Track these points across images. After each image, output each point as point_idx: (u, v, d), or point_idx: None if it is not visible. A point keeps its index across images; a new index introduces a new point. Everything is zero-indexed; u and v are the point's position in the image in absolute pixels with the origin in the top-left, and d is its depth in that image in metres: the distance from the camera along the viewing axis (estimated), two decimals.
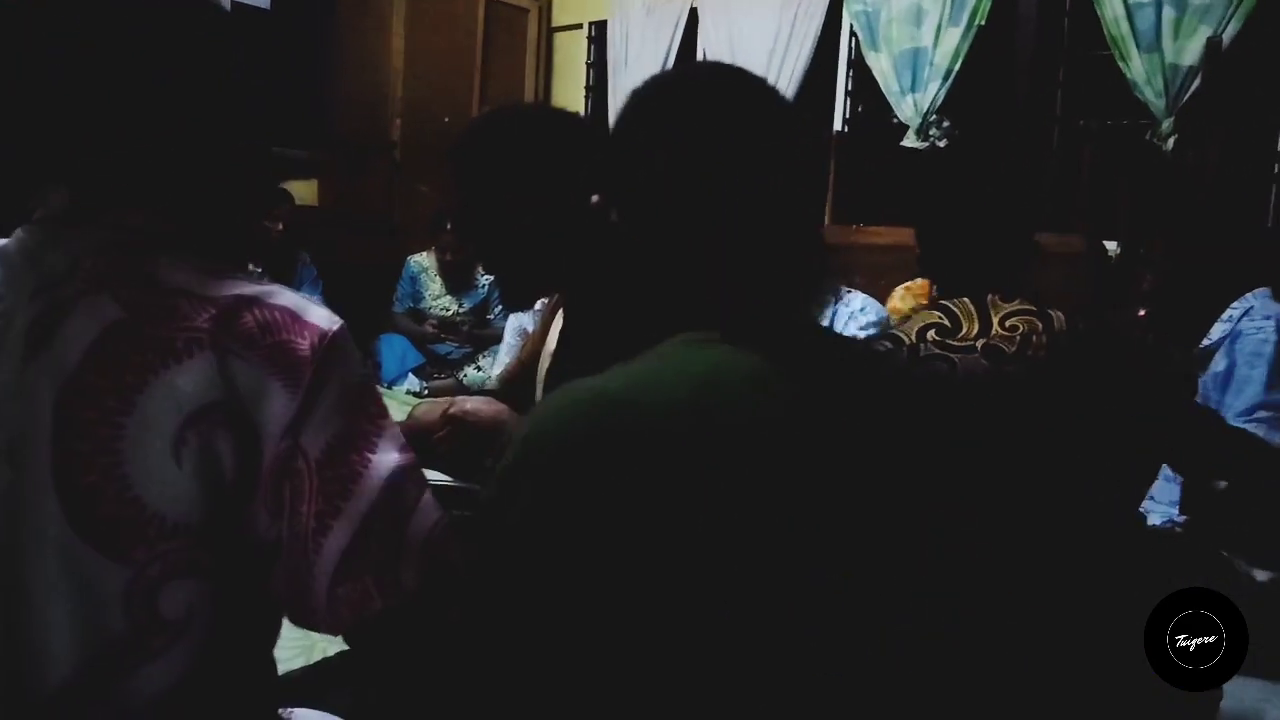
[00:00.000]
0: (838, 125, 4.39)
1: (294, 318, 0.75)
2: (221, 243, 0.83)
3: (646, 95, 0.83)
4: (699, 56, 4.69)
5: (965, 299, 1.51)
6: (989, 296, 1.49)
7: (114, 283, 0.73)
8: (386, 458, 0.77)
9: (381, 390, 3.47)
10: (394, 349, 3.82)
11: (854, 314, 2.60)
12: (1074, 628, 1.02)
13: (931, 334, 1.49)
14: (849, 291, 2.72)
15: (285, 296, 0.77)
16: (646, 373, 0.74)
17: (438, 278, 4.10)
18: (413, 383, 3.82)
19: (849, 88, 4.38)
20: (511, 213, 1.31)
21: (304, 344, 0.74)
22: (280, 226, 3.70)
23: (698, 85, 0.83)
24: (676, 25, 4.72)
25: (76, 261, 0.74)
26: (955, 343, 1.46)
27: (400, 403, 2.99)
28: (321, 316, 0.77)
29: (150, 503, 0.70)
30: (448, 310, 4.17)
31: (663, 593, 0.66)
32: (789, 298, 0.80)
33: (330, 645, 1.61)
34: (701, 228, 0.77)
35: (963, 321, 1.48)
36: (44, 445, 0.70)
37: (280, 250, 3.71)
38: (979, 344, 1.44)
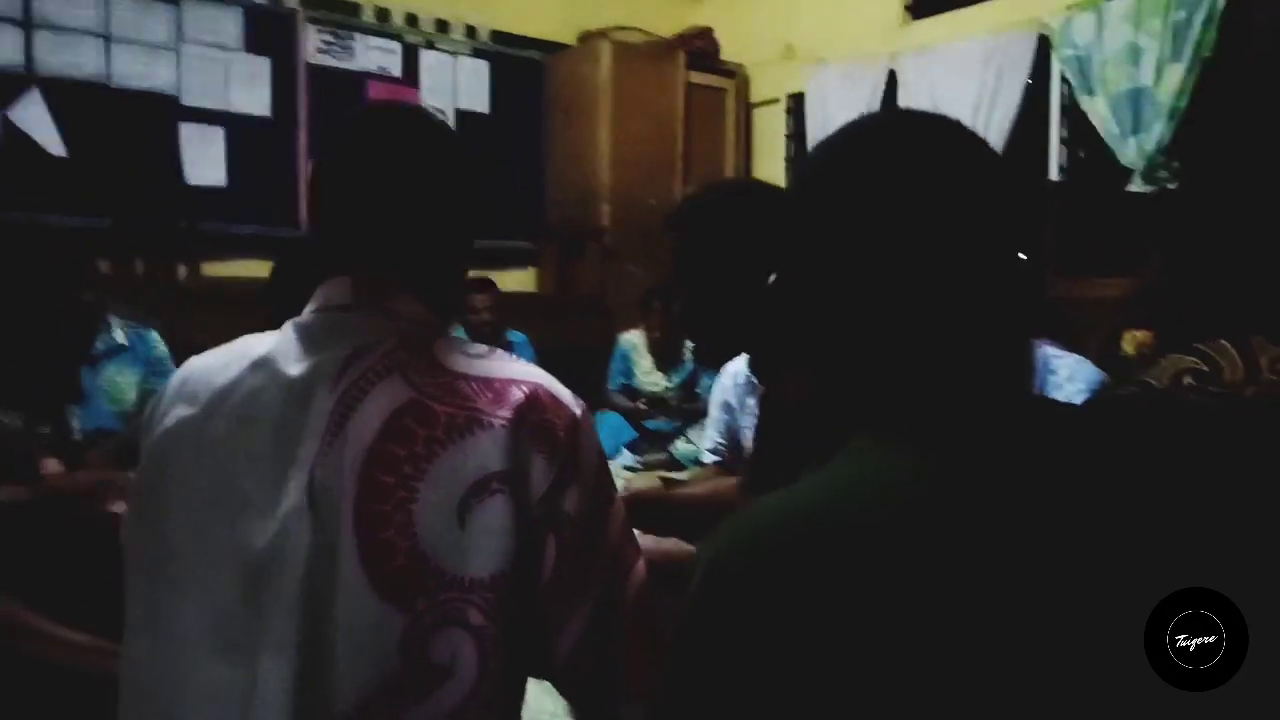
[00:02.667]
0: (1054, 174, 4.19)
1: (552, 398, 0.87)
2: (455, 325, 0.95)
3: (822, 155, 0.74)
4: None
5: (1223, 341, 1.37)
6: (1253, 339, 1.35)
7: (403, 366, 0.85)
8: (619, 519, 0.91)
9: None
10: (609, 425, 3.94)
11: (1060, 385, 2.37)
12: None
13: (1188, 379, 1.36)
14: (1057, 356, 2.49)
15: (539, 374, 0.89)
16: (836, 485, 0.64)
17: (647, 355, 4.21)
18: (627, 457, 3.91)
19: (1064, 135, 4.19)
20: (716, 280, 1.35)
21: (560, 423, 0.86)
22: (486, 315, 3.95)
23: (883, 136, 0.72)
24: (874, 89, 4.70)
25: (366, 344, 0.86)
26: (1217, 389, 1.33)
27: (617, 477, 3.06)
28: (569, 398, 0.89)
29: (433, 558, 0.80)
30: (657, 386, 4.27)
31: None
32: (999, 380, 0.67)
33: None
34: (895, 304, 0.66)
35: (1223, 366, 1.34)
36: (347, 505, 0.81)
37: (489, 334, 3.95)
38: (1248, 391, 1.30)
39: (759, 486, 1.54)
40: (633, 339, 4.25)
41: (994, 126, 4.20)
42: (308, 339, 0.89)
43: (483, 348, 0.91)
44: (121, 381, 2.44)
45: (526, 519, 0.83)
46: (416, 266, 0.92)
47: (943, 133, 0.70)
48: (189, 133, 4.10)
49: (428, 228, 0.93)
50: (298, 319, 0.92)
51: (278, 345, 0.90)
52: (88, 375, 3.01)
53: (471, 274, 3.89)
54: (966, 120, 3.64)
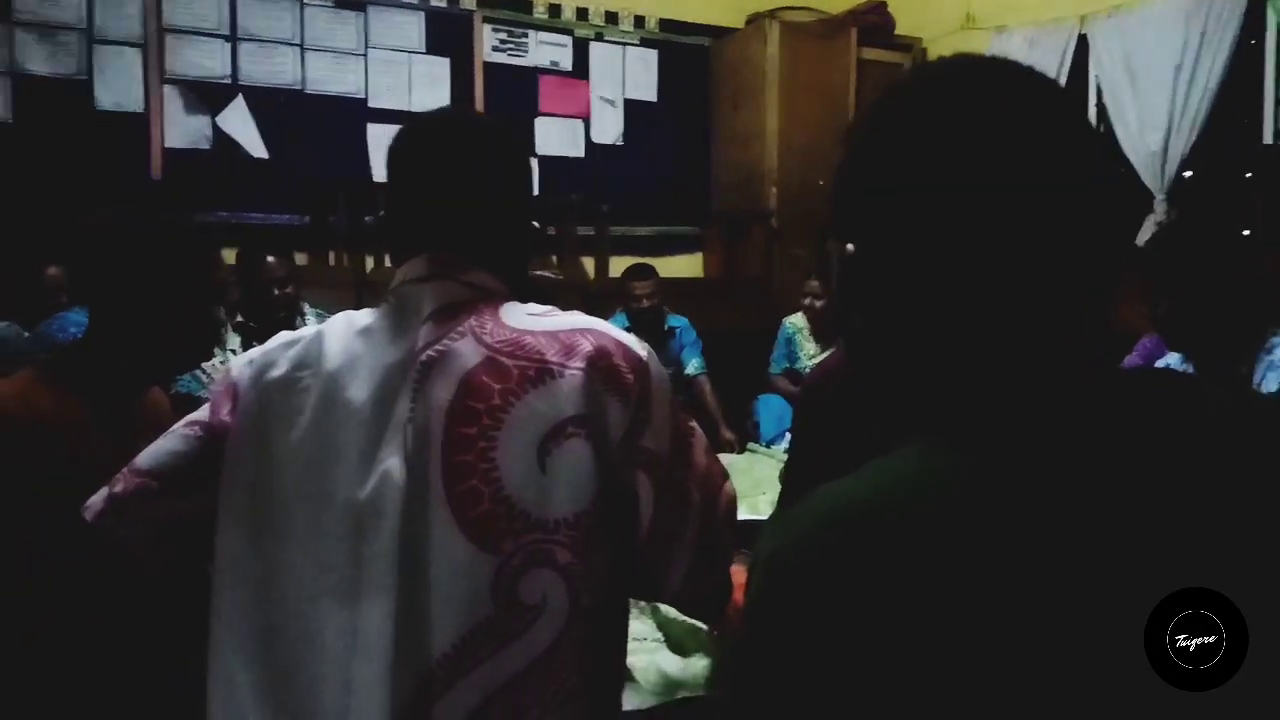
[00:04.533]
0: (1267, 138, 3.80)
1: (618, 344, 0.93)
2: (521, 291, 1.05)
3: (880, 109, 0.67)
4: (1091, 83, 4.33)
5: None
6: None
7: (475, 329, 0.93)
8: (701, 445, 0.99)
9: (759, 449, 3.56)
10: (771, 409, 3.89)
11: (1274, 363, 2.12)
12: None
13: None
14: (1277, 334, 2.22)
15: (601, 324, 0.96)
16: (895, 477, 0.61)
17: (811, 338, 4.13)
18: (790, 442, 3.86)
19: (1279, 95, 3.78)
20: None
21: (627, 367, 0.92)
22: (645, 302, 3.99)
23: (946, 88, 0.64)
24: (1064, 55, 4.40)
25: (442, 308, 0.95)
26: None
27: (778, 460, 3.03)
28: (633, 342, 0.95)
29: (517, 502, 0.86)
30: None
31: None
32: (1067, 364, 0.61)
33: (694, 687, 1.67)
34: (954, 283, 0.60)
35: None
36: (434, 457, 0.88)
37: (650, 319, 4.00)
38: None
39: (796, 486, 1.48)
40: (796, 322, 4.18)
41: (1197, 90, 3.85)
42: (395, 309, 0.97)
43: (544, 307, 0.98)
44: None
45: (607, 460, 0.89)
46: (481, 243, 1.01)
47: (1017, 84, 0.63)
48: (376, 132, 4.36)
49: (489, 210, 1.02)
50: (388, 293, 0.99)
51: (372, 316, 0.98)
52: None
53: (633, 260, 3.96)
54: (1166, 83, 3.38)
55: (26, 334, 3.10)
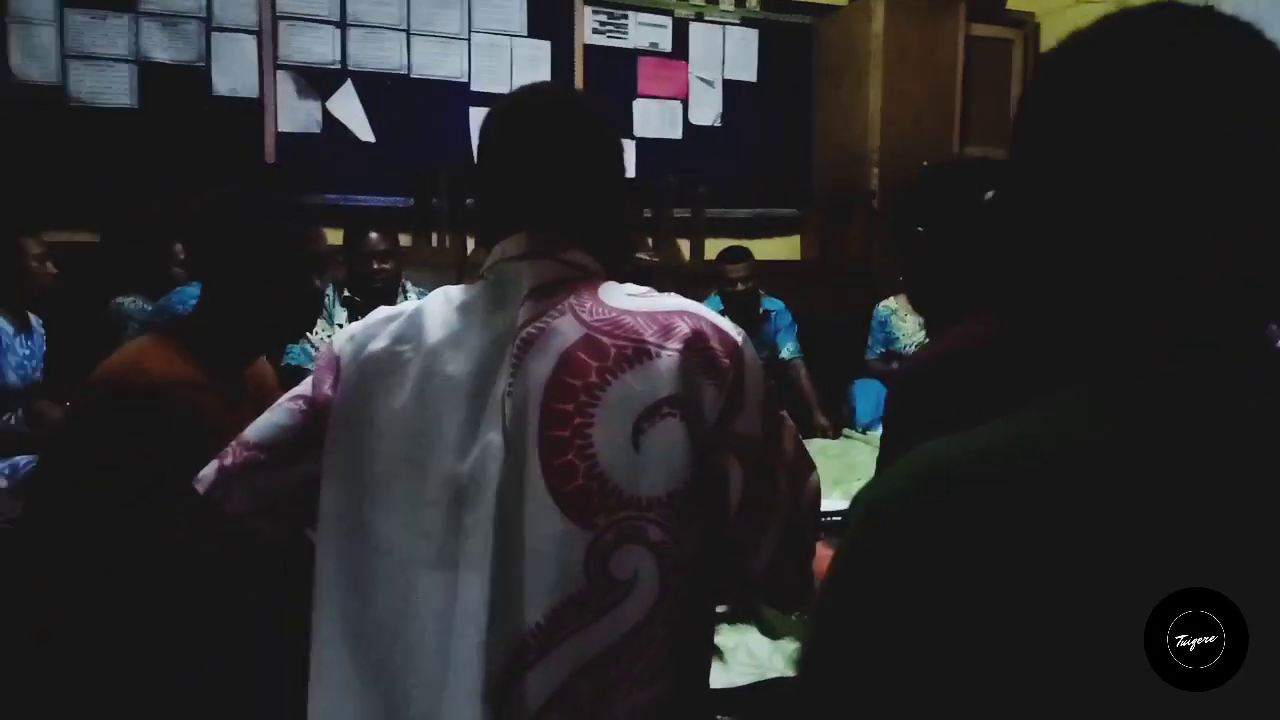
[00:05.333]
0: None
1: (714, 328, 0.94)
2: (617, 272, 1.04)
3: (1054, 56, 0.63)
4: None
5: None
6: None
7: (574, 307, 0.94)
8: (792, 434, 0.99)
9: (855, 435, 3.52)
10: (869, 394, 3.83)
11: None
12: None
13: None
14: None
15: (698, 308, 0.97)
16: (1006, 433, 0.59)
17: (908, 318, 4.03)
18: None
19: None
20: (929, 255, 1.37)
21: (723, 351, 0.93)
22: (739, 285, 3.97)
23: (1132, 30, 0.60)
24: None
25: (541, 285, 0.96)
26: None
27: (874, 446, 2.98)
28: (729, 327, 0.96)
29: (611, 478, 0.88)
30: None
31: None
32: (1219, 325, 0.58)
33: (783, 668, 1.67)
34: (1117, 228, 0.58)
35: None
36: (531, 432, 0.89)
37: (745, 302, 3.98)
38: None
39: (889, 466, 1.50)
40: (891, 304, 4.09)
41: None
42: (493, 286, 0.99)
43: (642, 288, 0.99)
44: None
45: (701, 442, 0.90)
46: (577, 222, 1.01)
47: (1209, 33, 0.58)
48: (478, 116, 4.41)
49: (585, 187, 1.03)
50: (484, 270, 1.00)
51: (470, 292, 0.99)
52: None
53: (728, 243, 3.94)
54: None
55: (148, 307, 3.27)
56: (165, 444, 1.26)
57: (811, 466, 1.02)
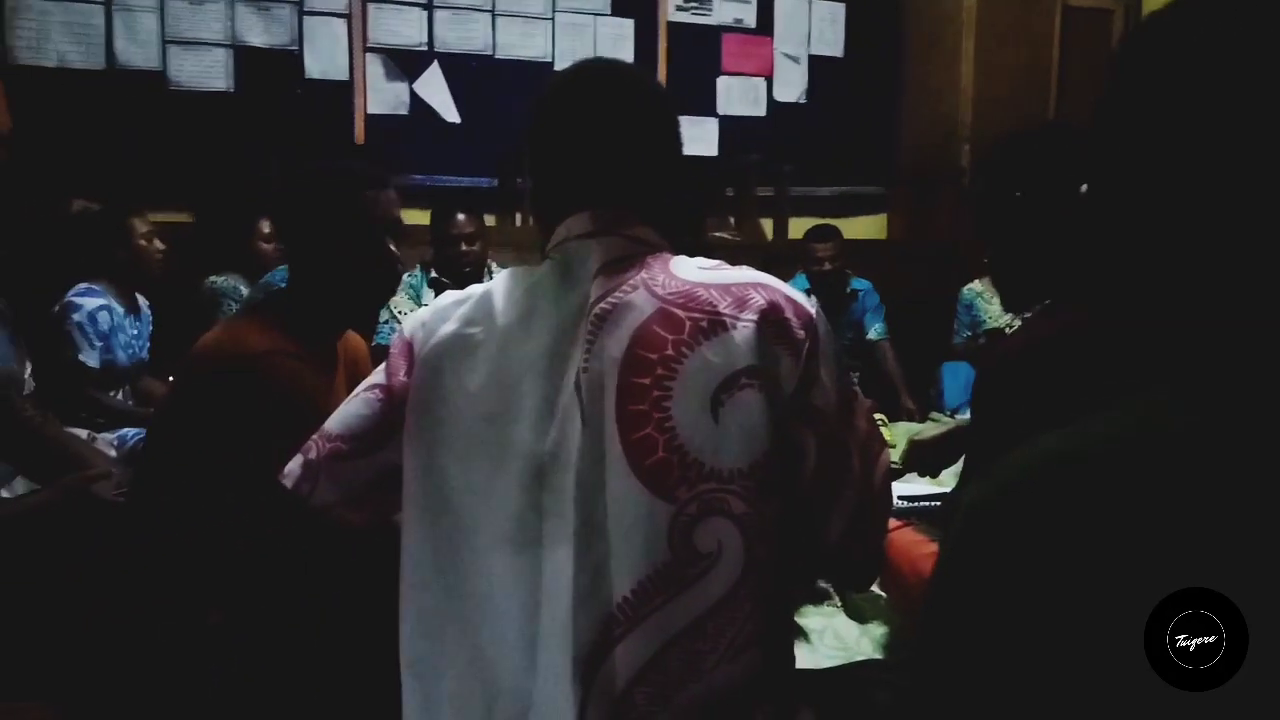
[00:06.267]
0: None
1: (789, 300, 0.94)
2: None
3: (1145, 34, 0.60)
4: None
5: None
6: None
7: (648, 281, 0.94)
8: (864, 410, 0.99)
9: (942, 417, 3.45)
10: (957, 377, 3.73)
11: None
12: None
13: None
14: None
15: (771, 279, 0.97)
16: (1111, 432, 0.57)
17: (994, 300, 3.92)
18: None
19: None
20: (1020, 227, 1.33)
21: (798, 323, 0.93)
22: (826, 264, 3.91)
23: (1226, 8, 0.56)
24: None
25: (611, 261, 0.96)
26: None
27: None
28: (804, 300, 0.96)
29: (691, 450, 0.88)
30: (1012, 328, 3.95)
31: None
32: None
33: (870, 651, 1.64)
34: (1218, 222, 0.55)
35: None
36: (610, 407, 0.89)
37: (831, 281, 3.93)
38: None
39: (977, 465, 1.45)
40: (977, 286, 3.98)
41: None
42: (561, 265, 0.99)
43: (713, 261, 0.98)
44: None
45: (778, 413, 0.90)
46: (640, 198, 1.02)
47: None
48: None
49: (644, 163, 1.02)
50: (550, 250, 1.01)
51: (538, 272, 0.99)
52: None
53: (813, 221, 3.88)
54: None
55: (244, 287, 3.37)
56: (265, 411, 1.30)
57: (883, 444, 1.01)
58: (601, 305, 0.93)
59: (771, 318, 0.91)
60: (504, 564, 0.92)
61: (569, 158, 1.03)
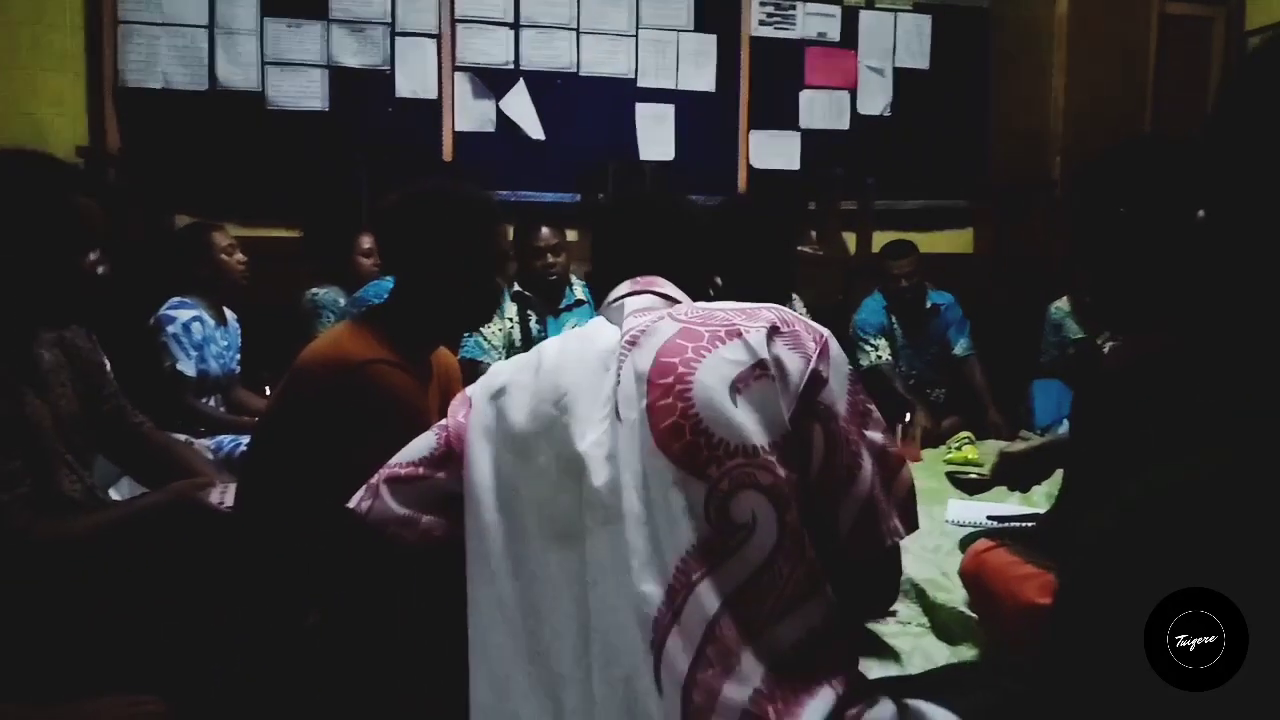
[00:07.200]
0: None
1: (798, 319, 1.08)
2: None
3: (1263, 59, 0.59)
4: None
5: None
6: None
7: (671, 313, 1.12)
8: (882, 428, 1.07)
9: (1032, 436, 3.36)
10: (1049, 394, 3.63)
11: None
12: None
13: None
14: None
15: (787, 310, 1.10)
16: (1226, 460, 0.57)
17: (1078, 321, 3.81)
18: (1068, 427, 3.58)
19: None
20: (1120, 245, 1.30)
21: (808, 334, 1.06)
22: (903, 282, 3.87)
23: None
24: None
25: (641, 308, 1.17)
26: None
27: None
28: (816, 325, 1.09)
29: (715, 431, 0.99)
30: (1104, 344, 3.82)
31: None
32: None
33: (966, 652, 1.61)
34: None
35: None
36: (640, 406, 1.03)
37: (909, 297, 3.88)
38: None
39: (1076, 486, 1.39)
40: (1064, 305, 3.86)
41: None
42: (607, 315, 1.20)
43: (731, 302, 1.14)
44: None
45: (790, 403, 1.01)
46: (670, 270, 1.26)
47: None
48: (644, 111, 4.47)
49: (678, 249, 1.30)
50: (600, 310, 1.22)
51: (586, 325, 1.21)
52: (552, 324, 3.47)
53: (896, 236, 3.84)
54: None
55: (343, 300, 3.47)
56: (371, 416, 1.34)
57: (902, 462, 1.08)
58: (632, 333, 1.09)
59: (782, 330, 1.05)
60: (550, 561, 1.04)
61: (617, 254, 1.29)
